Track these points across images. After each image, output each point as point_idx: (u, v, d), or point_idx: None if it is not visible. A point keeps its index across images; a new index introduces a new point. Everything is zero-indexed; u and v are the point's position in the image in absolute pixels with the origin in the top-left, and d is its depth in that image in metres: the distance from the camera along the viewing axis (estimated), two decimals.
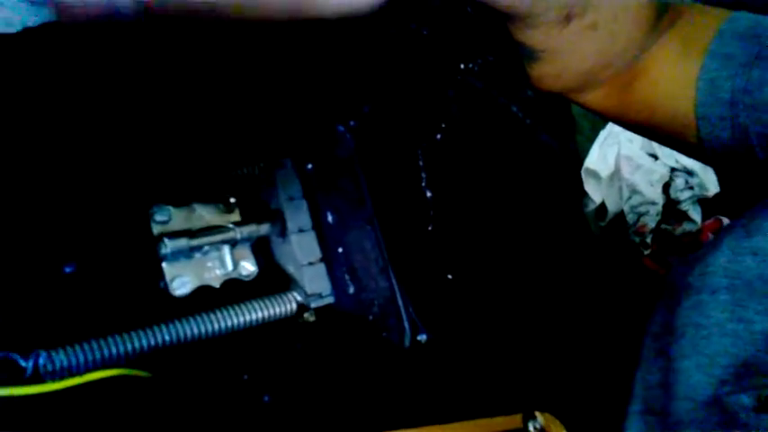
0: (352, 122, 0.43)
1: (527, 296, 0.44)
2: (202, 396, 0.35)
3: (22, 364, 0.31)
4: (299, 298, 0.39)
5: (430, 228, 0.45)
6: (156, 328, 0.35)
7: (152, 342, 0.34)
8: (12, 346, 0.31)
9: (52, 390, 0.31)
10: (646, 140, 1.08)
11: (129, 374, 0.33)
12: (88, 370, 0.32)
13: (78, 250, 0.35)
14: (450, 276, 0.44)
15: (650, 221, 1.03)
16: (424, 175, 0.46)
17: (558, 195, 0.53)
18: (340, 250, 0.43)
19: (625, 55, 0.36)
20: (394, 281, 0.42)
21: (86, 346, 0.33)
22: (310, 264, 0.40)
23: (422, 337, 0.42)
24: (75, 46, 0.31)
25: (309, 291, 0.40)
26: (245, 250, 0.40)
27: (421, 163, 0.46)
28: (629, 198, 1.04)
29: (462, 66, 0.51)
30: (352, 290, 0.43)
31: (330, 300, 0.40)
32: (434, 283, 0.43)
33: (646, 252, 1.04)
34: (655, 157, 1.02)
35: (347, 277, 0.43)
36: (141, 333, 0.35)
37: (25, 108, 0.34)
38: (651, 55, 0.37)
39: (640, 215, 1.04)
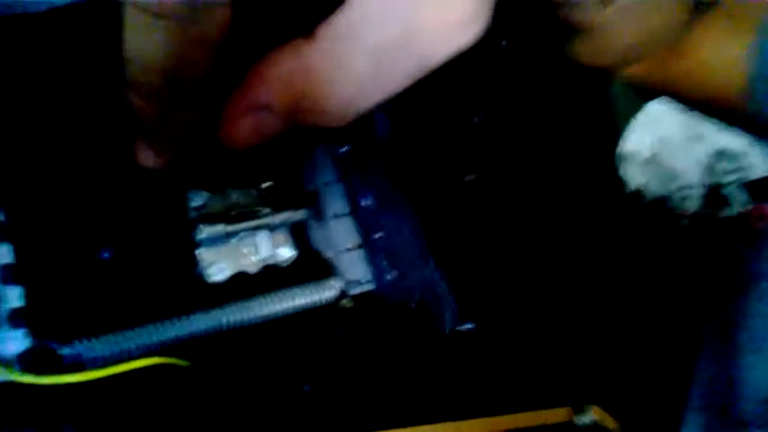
0: (390, 106, 0.42)
1: (576, 284, 0.42)
2: (241, 385, 0.35)
3: (60, 352, 0.31)
4: (338, 284, 0.38)
5: (472, 209, 0.43)
6: (193, 317, 0.34)
7: (189, 330, 0.34)
8: (48, 334, 0.31)
9: (89, 379, 0.30)
10: (687, 121, 1.04)
11: (167, 363, 0.32)
12: (126, 359, 0.32)
13: (114, 236, 0.34)
14: (494, 261, 0.42)
15: (691, 206, 1.00)
16: (465, 157, 0.44)
17: (601, 178, 0.51)
18: (377, 235, 0.42)
19: (670, 29, 0.35)
20: (434, 267, 0.41)
21: (124, 335, 0.32)
22: (348, 249, 0.39)
23: (465, 326, 0.41)
24: (104, 26, 0.30)
25: (348, 277, 0.39)
26: (282, 235, 0.39)
27: (462, 145, 0.44)
28: (669, 182, 1.01)
29: (504, 43, 0.49)
30: (390, 276, 0.42)
31: (370, 286, 0.39)
32: (479, 270, 0.41)
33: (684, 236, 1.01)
34: (697, 138, 0.98)
35: (385, 263, 0.42)
36: (178, 321, 0.34)
37: (57, 90, 0.33)
38: (698, 28, 0.36)
39: (681, 199, 1.01)
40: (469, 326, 0.39)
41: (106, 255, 0.33)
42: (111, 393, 0.30)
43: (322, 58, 0.21)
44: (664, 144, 1.00)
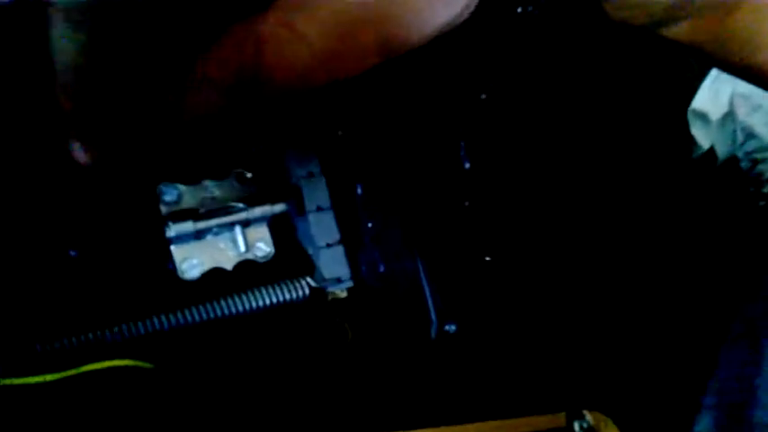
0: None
1: (575, 287, 0.39)
2: (210, 385, 0.34)
3: (29, 352, 0.31)
4: (312, 283, 0.37)
5: (467, 203, 0.40)
6: (162, 316, 0.34)
7: (156, 329, 0.34)
8: (20, 334, 0.31)
9: (52, 380, 0.30)
10: None
11: (131, 365, 0.32)
12: (92, 360, 0.32)
13: (83, 235, 0.34)
14: (488, 258, 0.39)
15: None
16: (462, 143, 0.41)
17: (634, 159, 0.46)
18: (370, 225, 0.40)
19: None
20: (420, 263, 0.39)
21: (88, 335, 0.33)
22: (328, 245, 0.37)
23: (450, 327, 0.38)
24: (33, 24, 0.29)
25: (326, 275, 0.37)
26: (260, 230, 0.37)
27: (460, 129, 0.41)
28: (744, 143, 0.92)
29: (520, 9, 0.44)
30: (382, 268, 0.40)
31: (349, 284, 0.37)
32: (469, 267, 0.39)
33: (762, 203, 0.94)
34: None
35: (377, 254, 0.40)
36: (145, 322, 0.34)
37: (21, 86, 0.33)
38: None
39: (756, 162, 0.92)
40: (453, 327, 0.37)
41: (74, 253, 0.33)
42: (73, 395, 0.31)
43: (274, 27, 0.19)
44: (740, 101, 0.91)
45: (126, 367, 0.31)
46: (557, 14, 0.44)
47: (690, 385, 0.42)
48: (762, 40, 0.32)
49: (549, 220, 0.38)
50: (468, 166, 0.40)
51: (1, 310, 0.30)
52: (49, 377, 0.30)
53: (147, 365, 0.32)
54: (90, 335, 0.32)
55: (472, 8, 0.20)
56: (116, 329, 0.33)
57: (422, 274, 0.38)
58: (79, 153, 0.22)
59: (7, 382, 0.29)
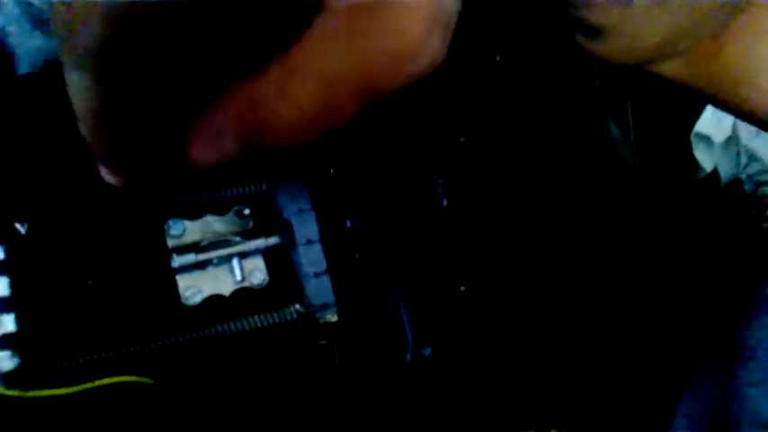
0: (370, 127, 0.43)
1: (545, 308, 0.42)
2: (206, 402, 0.39)
3: (46, 370, 0.36)
4: (300, 309, 0.41)
5: (443, 236, 0.44)
6: (165, 338, 0.39)
7: (159, 348, 0.38)
8: (35, 354, 0.36)
9: (67, 393, 0.35)
10: None
11: (133, 381, 0.37)
12: (102, 376, 0.37)
13: (98, 265, 0.39)
14: (462, 288, 0.43)
15: None
16: (440, 180, 0.45)
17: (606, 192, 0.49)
18: (357, 256, 0.44)
19: (705, 26, 0.32)
20: (398, 290, 0.43)
21: (104, 354, 0.37)
22: (316, 275, 0.41)
23: (425, 351, 0.42)
24: None
25: (314, 301, 0.41)
26: (256, 260, 0.42)
27: (441, 167, 0.45)
28: (747, 165, 0.94)
29: (498, 57, 0.48)
30: (366, 295, 0.44)
31: (333, 310, 0.41)
32: (445, 295, 0.43)
33: (765, 225, 0.95)
34: None
35: (363, 283, 0.44)
36: (152, 342, 0.38)
37: (39, 128, 0.38)
38: (738, 24, 0.33)
39: (759, 184, 0.94)
40: (427, 350, 0.41)
41: (90, 282, 0.38)
42: (85, 407, 0.35)
43: (271, 87, 0.22)
44: (743, 125, 0.92)
45: (130, 382, 0.36)
46: (534, 59, 0.48)
47: (659, 405, 0.45)
48: (747, 78, 0.33)
49: (522, 251, 0.42)
50: (445, 203, 0.44)
51: (27, 332, 0.35)
52: (66, 390, 0.34)
53: (147, 381, 0.36)
54: (104, 354, 0.37)
55: (441, 59, 0.22)
56: (127, 349, 0.37)
57: (401, 302, 0.42)
58: (107, 176, 0.25)
59: (31, 394, 0.34)
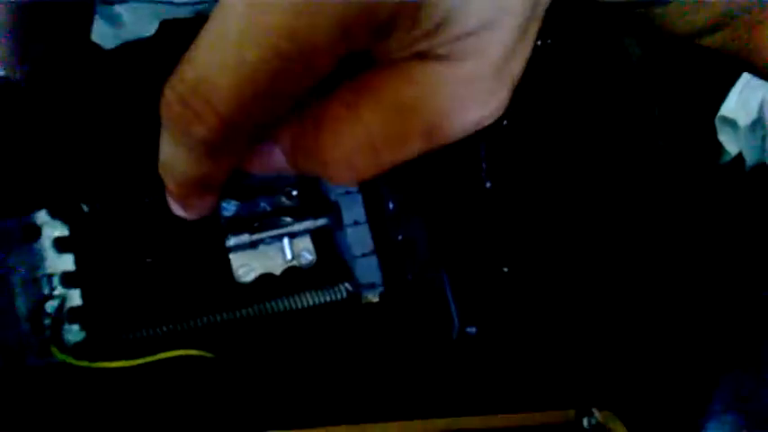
0: None
1: (586, 287, 0.43)
2: (262, 375, 0.40)
3: (111, 342, 0.38)
4: (350, 288, 0.42)
5: (487, 218, 0.45)
6: (224, 312, 0.40)
7: (219, 323, 0.40)
8: (101, 328, 0.38)
9: (131, 365, 0.37)
10: None
11: (195, 355, 0.38)
12: (164, 349, 0.38)
13: (157, 244, 0.40)
14: (505, 269, 0.44)
15: None
16: (484, 164, 0.46)
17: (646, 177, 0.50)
18: (400, 237, 0.45)
19: None
20: (443, 271, 0.44)
21: (165, 328, 0.39)
22: (363, 255, 0.43)
23: (471, 330, 0.43)
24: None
25: (361, 281, 0.43)
26: (304, 241, 0.43)
27: (482, 151, 0.46)
28: None
29: (539, 42, 0.48)
30: (410, 276, 0.45)
31: (381, 290, 0.43)
32: (488, 276, 0.44)
33: None
34: None
35: (406, 264, 0.45)
36: (211, 316, 0.40)
37: (104, 125, 0.39)
38: None
39: None
40: (473, 329, 0.42)
41: (149, 259, 0.39)
42: (149, 378, 0.37)
43: (338, 108, 0.21)
44: None
45: (192, 356, 0.37)
46: (575, 43, 0.49)
47: (696, 386, 0.46)
48: None
49: (563, 232, 0.43)
50: (488, 185, 0.45)
51: (95, 307, 0.37)
52: (131, 362, 0.36)
53: (209, 355, 0.38)
54: (164, 327, 0.39)
55: (504, 107, 0.22)
56: (185, 324, 0.39)
57: (446, 283, 0.43)
58: (177, 210, 0.25)
59: (98, 365, 0.36)
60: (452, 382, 0.43)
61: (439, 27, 0.19)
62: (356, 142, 0.21)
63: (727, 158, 0.97)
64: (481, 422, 0.42)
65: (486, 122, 0.22)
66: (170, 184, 0.22)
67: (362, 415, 0.41)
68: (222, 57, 0.18)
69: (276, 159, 0.23)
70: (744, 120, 0.93)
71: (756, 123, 0.93)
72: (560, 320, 0.44)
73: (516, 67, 0.21)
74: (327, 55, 0.18)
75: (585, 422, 0.43)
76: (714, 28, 0.34)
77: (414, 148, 0.21)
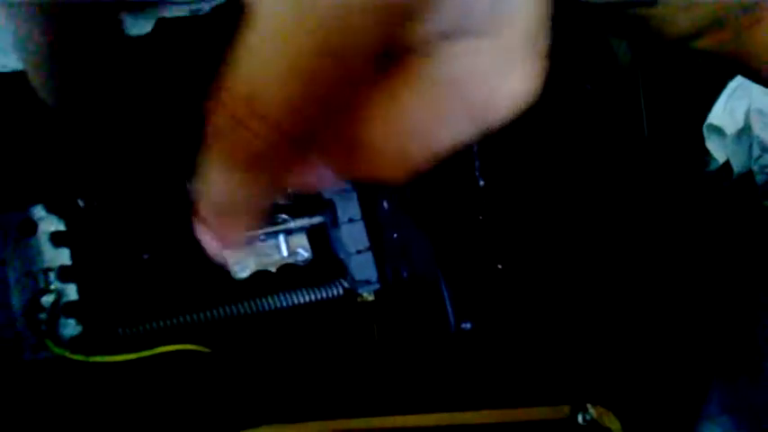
0: None
1: (580, 284, 0.44)
2: (257, 369, 0.40)
3: (106, 336, 0.38)
4: (346, 284, 0.42)
5: (481, 217, 0.46)
6: (220, 307, 0.40)
7: (216, 319, 0.40)
8: (97, 322, 0.38)
9: (127, 359, 0.37)
10: None
11: (191, 349, 0.38)
12: (160, 344, 0.38)
13: (155, 240, 0.41)
14: (500, 266, 0.45)
15: None
16: (477, 162, 0.46)
17: (633, 178, 0.51)
18: (395, 236, 0.46)
19: None
20: (439, 268, 0.44)
21: (160, 323, 0.39)
22: (358, 252, 0.43)
23: (466, 326, 0.44)
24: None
25: (357, 277, 0.43)
26: (300, 238, 0.43)
27: (475, 149, 0.46)
28: (760, 157, 0.95)
29: None
30: (405, 274, 0.46)
31: (376, 287, 0.43)
32: (483, 273, 0.44)
33: None
34: None
35: (401, 261, 0.45)
36: (207, 312, 0.40)
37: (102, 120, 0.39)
38: None
39: None
40: (468, 325, 0.43)
41: (146, 256, 0.40)
42: (145, 373, 0.37)
43: (380, 117, 0.21)
44: (756, 116, 0.94)
45: (189, 351, 0.37)
46: (566, 46, 0.50)
47: (691, 385, 0.46)
48: None
49: (556, 230, 0.44)
50: (482, 183, 0.45)
51: (90, 301, 0.37)
52: (128, 356, 0.36)
53: (205, 350, 0.38)
54: (160, 322, 0.39)
55: (540, 82, 0.22)
56: (180, 319, 0.39)
57: (441, 279, 0.43)
58: (214, 248, 0.24)
59: (94, 359, 0.36)
60: (448, 378, 0.43)
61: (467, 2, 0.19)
62: (406, 129, 0.20)
63: (715, 166, 0.98)
64: (477, 417, 0.43)
65: (528, 98, 0.21)
66: (215, 216, 0.21)
67: (358, 410, 0.41)
68: (273, 66, 0.18)
69: (323, 172, 0.22)
70: (731, 128, 0.95)
71: (743, 132, 0.95)
72: (555, 317, 0.44)
73: (542, 39, 0.21)
74: (372, 46, 0.18)
75: (580, 418, 0.44)
76: (704, 31, 0.34)
77: (463, 128, 0.21)
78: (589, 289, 0.45)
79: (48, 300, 0.36)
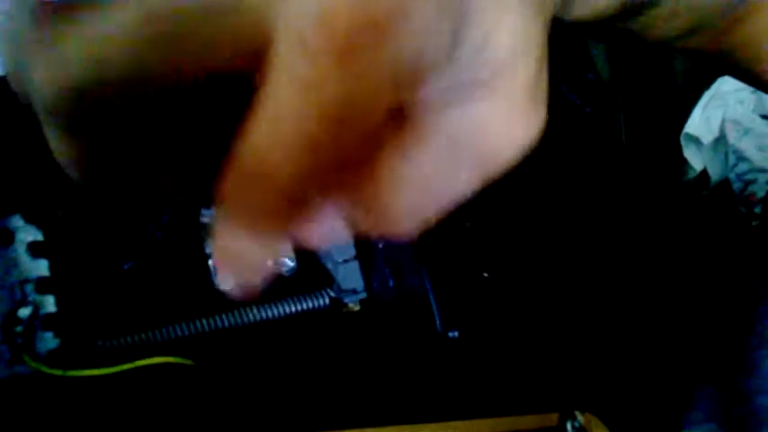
0: None
1: (566, 291, 0.44)
2: (242, 382, 0.39)
3: (85, 350, 0.37)
4: (332, 294, 0.42)
5: (467, 225, 0.45)
6: (203, 318, 0.39)
7: (199, 330, 0.39)
8: (75, 335, 0.37)
9: (106, 373, 0.36)
10: (757, 102, 0.98)
11: (174, 362, 0.37)
12: (142, 356, 0.37)
13: (136, 250, 0.40)
14: (485, 274, 0.44)
15: (759, 190, 0.96)
16: None
17: (615, 185, 0.51)
18: (381, 245, 0.45)
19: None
20: (426, 276, 0.44)
21: (141, 335, 0.38)
22: (345, 261, 0.42)
23: (453, 334, 0.43)
24: None
25: (343, 286, 0.42)
26: (285, 247, 0.43)
27: None
28: (736, 165, 0.96)
29: None
30: (391, 283, 0.45)
31: (363, 296, 0.42)
32: (469, 281, 0.44)
33: (754, 223, 0.97)
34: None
35: (387, 271, 0.45)
36: (190, 323, 0.39)
37: None
38: None
39: (748, 183, 0.97)
40: (455, 333, 0.42)
41: (127, 266, 0.39)
42: (123, 387, 0.36)
43: (390, 175, 0.21)
44: (731, 126, 0.95)
45: (171, 363, 0.36)
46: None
47: (677, 391, 0.46)
48: (762, 47, 0.36)
49: (542, 238, 0.44)
50: None
51: (69, 314, 0.36)
52: (108, 370, 0.35)
53: (188, 362, 0.37)
54: (142, 335, 0.38)
55: (543, 127, 0.22)
56: (162, 330, 0.38)
57: (429, 288, 0.43)
58: (224, 280, 0.22)
59: (72, 373, 0.34)
60: (436, 387, 0.42)
61: (476, 53, 0.19)
62: (415, 188, 0.21)
63: (692, 174, 0.99)
64: (467, 427, 0.42)
65: (531, 144, 0.22)
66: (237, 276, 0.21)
67: (345, 421, 0.40)
68: (281, 133, 0.18)
69: (331, 228, 0.22)
70: (707, 137, 0.96)
71: (719, 141, 0.96)
72: (541, 324, 0.44)
73: (544, 85, 0.22)
74: (382, 109, 0.18)
75: (569, 426, 0.44)
76: (686, 35, 0.35)
77: (471, 181, 0.21)
78: (575, 296, 0.45)
79: (24, 312, 0.35)
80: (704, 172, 0.98)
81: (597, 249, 0.46)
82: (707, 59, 0.36)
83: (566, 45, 0.48)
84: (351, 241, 0.43)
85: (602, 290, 0.45)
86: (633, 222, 0.53)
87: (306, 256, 0.44)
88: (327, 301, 0.41)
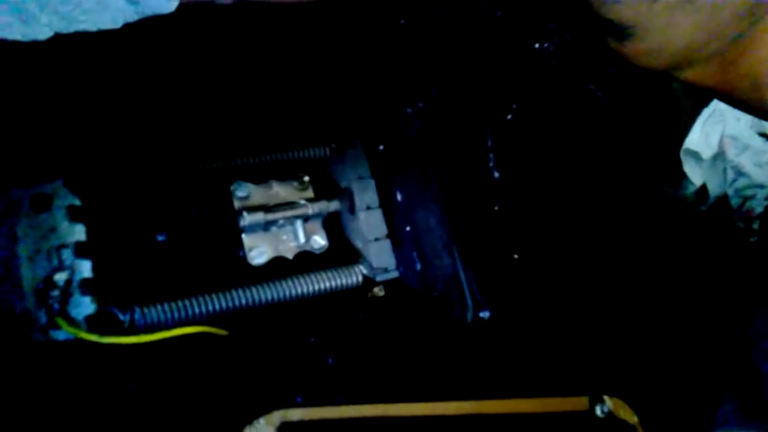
0: (420, 104, 0.45)
1: (598, 277, 0.44)
2: (272, 354, 0.39)
3: (121, 317, 0.36)
4: (364, 271, 0.42)
5: (497, 207, 0.46)
6: (234, 292, 0.39)
7: (231, 304, 0.38)
8: (112, 302, 0.36)
9: (143, 341, 0.35)
10: (755, 119, 1.01)
11: (209, 332, 0.37)
12: (175, 326, 0.37)
13: (169, 222, 0.39)
14: (516, 256, 0.44)
15: (757, 206, 0.97)
16: (492, 155, 0.47)
17: (639, 177, 0.52)
18: (408, 228, 0.45)
19: (729, 30, 0.34)
20: (457, 258, 0.44)
21: (174, 305, 0.37)
22: (376, 239, 0.42)
23: (484, 314, 0.43)
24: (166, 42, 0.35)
25: (375, 265, 0.42)
26: (316, 225, 0.43)
27: (489, 143, 0.47)
28: (734, 181, 0.98)
29: (537, 45, 0.51)
30: (419, 266, 0.45)
31: (395, 274, 0.42)
32: (500, 262, 0.44)
33: (752, 239, 0.98)
34: (766, 136, 0.96)
35: (415, 254, 0.45)
36: (222, 296, 0.39)
37: (122, 98, 0.38)
38: (759, 30, 0.35)
39: (746, 199, 0.98)
40: (489, 314, 0.42)
41: (161, 237, 0.38)
42: (160, 355, 0.35)
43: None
44: (729, 142, 0.97)
45: (205, 333, 0.36)
46: (570, 53, 0.51)
47: (704, 376, 0.46)
48: (760, 82, 0.36)
49: (572, 222, 0.44)
50: (497, 175, 0.45)
51: (106, 283, 0.35)
52: (144, 338, 0.34)
53: (222, 332, 0.36)
54: (174, 305, 0.37)
55: None
56: (196, 302, 0.38)
57: (460, 269, 0.43)
58: None
59: (104, 340, 0.34)
60: (466, 367, 0.42)
61: None
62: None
63: (692, 189, 1.01)
64: (497, 406, 0.42)
65: None
66: None
67: (374, 396, 0.39)
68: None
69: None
70: (706, 153, 0.98)
71: (717, 157, 0.98)
72: (572, 308, 0.44)
73: None
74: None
75: (599, 410, 0.43)
76: (686, 64, 0.35)
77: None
78: (606, 281, 0.46)
79: (61, 277, 0.35)
80: (703, 187, 1.00)
81: (630, 235, 0.46)
82: (707, 93, 0.36)
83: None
84: (382, 220, 0.43)
85: (638, 274, 0.45)
86: (641, 225, 0.53)
87: (335, 238, 0.44)
88: (360, 279, 0.41)
